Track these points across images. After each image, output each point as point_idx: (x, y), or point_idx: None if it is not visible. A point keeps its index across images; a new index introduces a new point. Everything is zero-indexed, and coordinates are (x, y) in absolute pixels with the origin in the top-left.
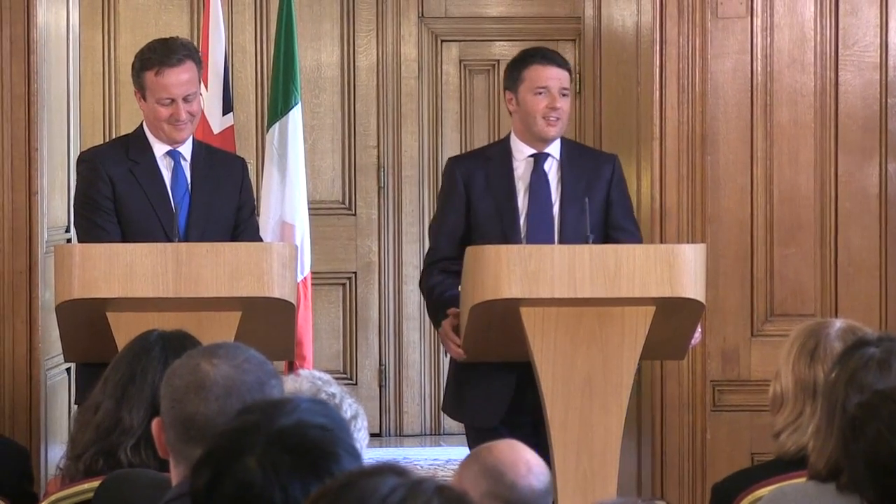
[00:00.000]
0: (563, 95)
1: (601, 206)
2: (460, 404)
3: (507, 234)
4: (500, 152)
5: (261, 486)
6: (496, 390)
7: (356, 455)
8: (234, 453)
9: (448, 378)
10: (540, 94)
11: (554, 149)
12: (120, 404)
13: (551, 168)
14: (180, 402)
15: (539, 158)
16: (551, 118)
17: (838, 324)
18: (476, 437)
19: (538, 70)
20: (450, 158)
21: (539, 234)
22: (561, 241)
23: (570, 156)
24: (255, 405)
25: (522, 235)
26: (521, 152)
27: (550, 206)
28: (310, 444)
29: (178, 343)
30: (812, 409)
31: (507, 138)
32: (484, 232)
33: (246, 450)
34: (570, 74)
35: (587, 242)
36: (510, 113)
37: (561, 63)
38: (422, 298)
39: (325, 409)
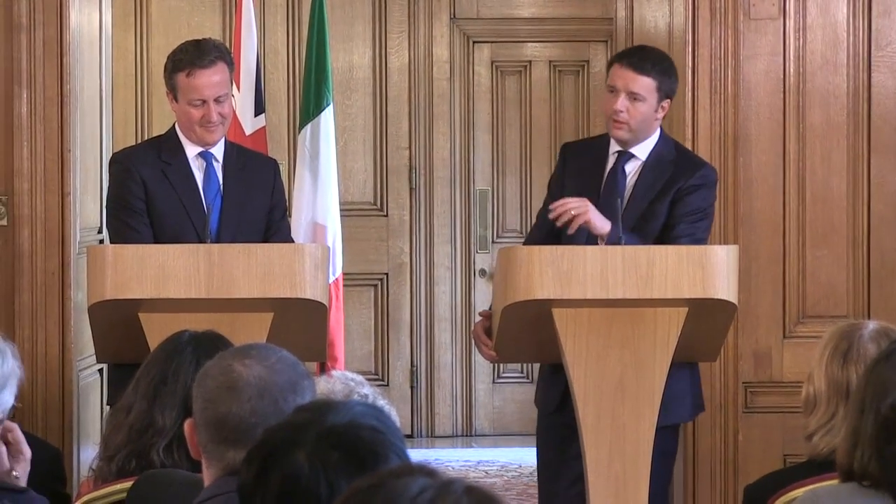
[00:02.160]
0: (633, 99)
1: (663, 214)
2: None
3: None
4: (601, 144)
5: (307, 479)
6: (552, 380)
7: (406, 460)
8: (284, 447)
9: None
10: (611, 92)
11: (642, 149)
12: (152, 405)
13: (633, 169)
14: (213, 403)
15: (622, 157)
16: (615, 120)
17: (871, 325)
18: (539, 420)
19: (614, 68)
20: (563, 143)
21: None
22: None
23: (661, 159)
24: (311, 404)
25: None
26: (613, 146)
27: (619, 206)
28: (360, 443)
29: (210, 344)
30: (845, 411)
31: None
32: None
33: (296, 444)
34: (656, 82)
35: (619, 243)
36: None
37: (639, 66)
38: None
39: (378, 414)
